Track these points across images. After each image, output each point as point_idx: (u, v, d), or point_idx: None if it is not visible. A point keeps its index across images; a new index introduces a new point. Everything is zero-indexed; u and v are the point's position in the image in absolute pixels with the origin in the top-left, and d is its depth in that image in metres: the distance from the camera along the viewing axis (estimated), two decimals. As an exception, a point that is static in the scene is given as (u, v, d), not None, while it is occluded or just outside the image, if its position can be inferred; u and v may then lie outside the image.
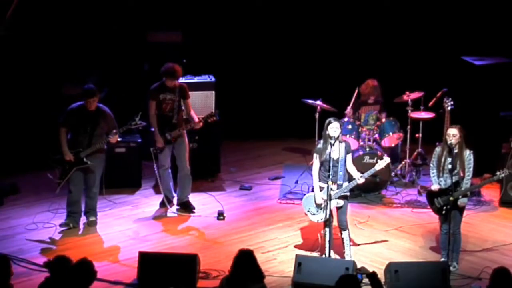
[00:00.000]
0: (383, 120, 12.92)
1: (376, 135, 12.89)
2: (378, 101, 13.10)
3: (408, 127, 13.11)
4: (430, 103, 13.08)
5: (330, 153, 10.05)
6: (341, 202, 10.24)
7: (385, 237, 11.25)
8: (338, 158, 10.16)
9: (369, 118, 12.98)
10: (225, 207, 12.21)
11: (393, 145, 13.11)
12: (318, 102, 13.09)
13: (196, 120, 11.84)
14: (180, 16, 14.83)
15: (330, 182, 10.09)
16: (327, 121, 10.20)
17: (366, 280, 9.83)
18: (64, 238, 11.23)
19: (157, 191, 12.87)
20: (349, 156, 10.29)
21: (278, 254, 10.74)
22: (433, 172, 10.25)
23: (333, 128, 10.09)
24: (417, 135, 13.27)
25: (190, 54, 13.92)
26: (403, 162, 13.25)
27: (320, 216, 10.31)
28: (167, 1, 14.84)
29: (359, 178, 10.19)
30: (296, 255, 9.92)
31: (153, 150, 11.86)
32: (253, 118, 15.18)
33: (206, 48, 14.73)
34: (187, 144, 12.00)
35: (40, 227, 11.51)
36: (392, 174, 12.87)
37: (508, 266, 8.35)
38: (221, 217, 11.89)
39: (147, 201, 12.54)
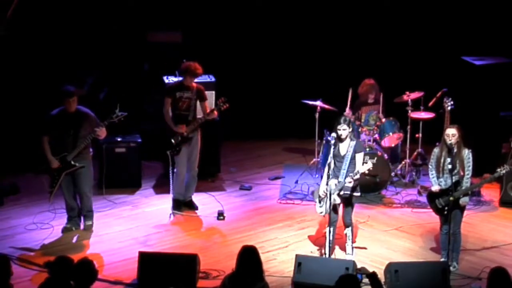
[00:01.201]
0: (383, 120, 12.92)
1: (376, 135, 12.89)
2: (378, 100, 13.10)
3: (408, 127, 13.10)
4: (430, 103, 13.08)
5: (332, 151, 10.24)
6: (338, 200, 10.27)
7: (385, 237, 11.26)
8: (344, 155, 10.28)
9: (369, 118, 12.98)
10: (225, 207, 12.21)
11: (393, 145, 13.11)
12: (318, 102, 13.10)
13: (208, 110, 11.81)
14: (180, 16, 14.83)
15: (330, 182, 10.21)
16: (337, 120, 10.34)
17: (366, 280, 9.87)
18: (64, 238, 11.22)
19: (157, 191, 12.88)
20: (359, 156, 10.33)
21: (278, 254, 10.74)
22: (432, 173, 10.25)
23: (341, 130, 10.26)
24: (417, 135, 13.26)
25: (190, 54, 13.90)
26: (403, 162, 13.25)
27: (323, 209, 10.39)
28: (167, 1, 14.84)
29: (355, 175, 10.16)
30: (296, 255, 9.92)
31: (170, 153, 11.82)
32: (253, 118, 15.18)
33: (206, 48, 14.72)
34: (199, 145, 11.98)
35: (40, 227, 11.51)
36: (392, 174, 12.86)
37: (507, 266, 8.36)
38: (221, 217, 11.89)
39: (147, 201, 12.54)
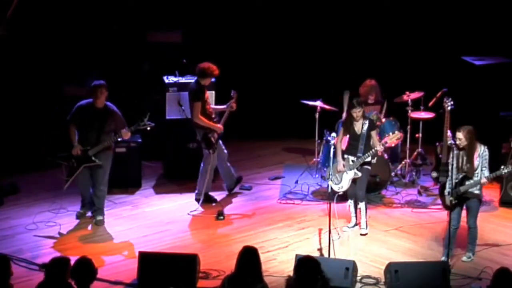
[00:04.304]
0: (383, 120, 12.93)
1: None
2: (378, 101, 13.10)
3: (408, 127, 13.11)
4: (430, 103, 13.07)
5: (335, 144, 10.87)
6: (358, 174, 11.05)
7: (385, 237, 11.27)
8: (360, 133, 11.06)
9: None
10: (225, 207, 12.21)
11: (393, 145, 13.09)
12: (318, 103, 13.10)
13: (225, 107, 12.25)
14: (180, 16, 14.83)
15: (330, 183, 10.50)
16: (352, 105, 11.11)
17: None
18: (64, 238, 11.23)
19: (157, 191, 12.89)
20: (374, 133, 11.20)
21: (278, 254, 10.74)
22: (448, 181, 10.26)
23: (356, 112, 11.05)
24: (417, 135, 13.27)
25: (190, 54, 13.92)
26: (403, 162, 13.25)
27: (340, 185, 11.11)
28: (167, 1, 14.84)
29: (379, 146, 11.02)
30: (296, 255, 9.91)
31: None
32: (253, 118, 15.17)
33: (206, 48, 14.72)
34: None
35: (40, 227, 11.51)
36: (392, 174, 12.86)
37: (508, 266, 8.35)
38: (221, 217, 11.89)
39: (147, 201, 12.55)
